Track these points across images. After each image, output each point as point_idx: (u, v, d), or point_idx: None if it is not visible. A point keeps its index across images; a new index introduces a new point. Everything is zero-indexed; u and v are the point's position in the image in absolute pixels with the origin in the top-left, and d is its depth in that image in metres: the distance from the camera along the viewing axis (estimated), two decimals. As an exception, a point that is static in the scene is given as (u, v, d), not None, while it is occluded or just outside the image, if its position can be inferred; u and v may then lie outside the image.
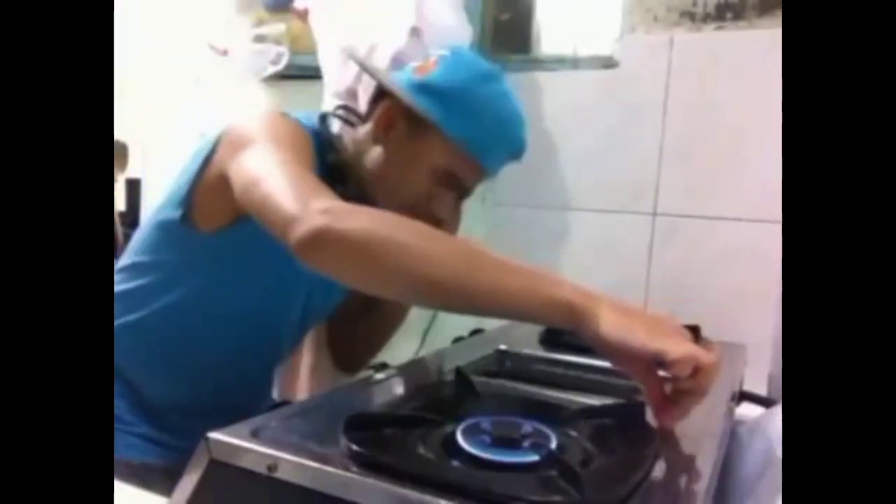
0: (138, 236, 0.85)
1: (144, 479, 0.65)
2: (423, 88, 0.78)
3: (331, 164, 0.81)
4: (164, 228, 0.82)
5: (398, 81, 0.81)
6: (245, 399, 0.85)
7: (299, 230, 0.58)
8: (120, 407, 0.80)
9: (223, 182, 0.73)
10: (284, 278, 0.82)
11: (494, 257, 0.60)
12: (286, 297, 0.86)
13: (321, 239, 0.58)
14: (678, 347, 0.54)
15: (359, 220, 0.59)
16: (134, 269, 0.83)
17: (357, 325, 1.00)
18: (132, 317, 0.81)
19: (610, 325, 0.55)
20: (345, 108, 0.90)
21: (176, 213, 0.80)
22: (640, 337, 0.54)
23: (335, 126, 0.87)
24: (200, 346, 0.83)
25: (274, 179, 0.65)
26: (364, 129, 0.85)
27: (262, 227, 0.65)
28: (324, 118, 0.86)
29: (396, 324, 1.01)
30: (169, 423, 0.82)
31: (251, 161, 0.70)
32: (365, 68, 0.88)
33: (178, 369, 0.83)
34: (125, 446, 0.78)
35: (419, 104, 0.78)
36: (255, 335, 0.86)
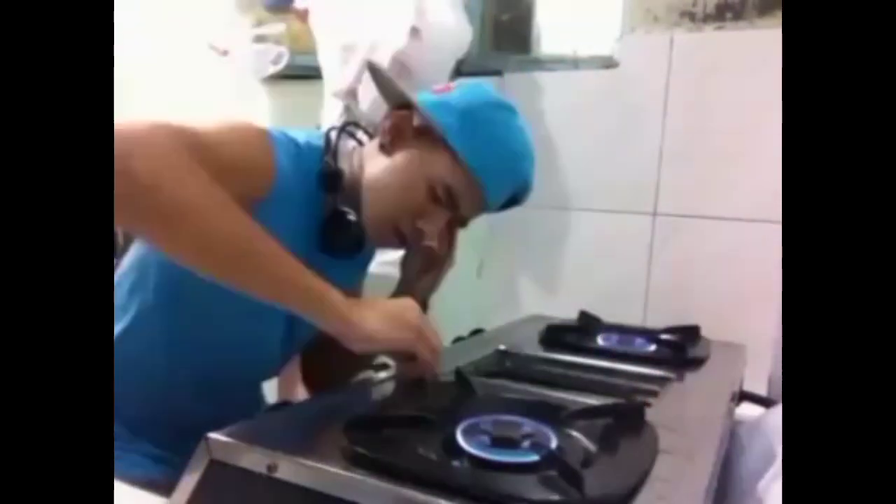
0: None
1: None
2: (440, 105, 0.78)
3: (325, 171, 0.79)
4: (142, 245, 0.80)
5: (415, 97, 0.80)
6: (240, 412, 0.84)
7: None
8: (117, 426, 0.79)
9: None
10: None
11: (273, 245, 0.64)
12: (266, 307, 0.84)
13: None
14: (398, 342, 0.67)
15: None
16: (120, 286, 0.80)
17: (328, 354, 0.91)
18: (118, 329, 0.79)
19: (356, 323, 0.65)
20: (355, 125, 0.88)
21: None
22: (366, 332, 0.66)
23: (342, 141, 0.85)
24: (184, 362, 0.80)
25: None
26: (371, 144, 0.84)
27: None
28: (331, 132, 0.83)
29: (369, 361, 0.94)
30: (168, 439, 0.81)
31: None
32: (381, 79, 0.85)
33: (167, 387, 0.80)
34: (127, 464, 0.77)
35: (434, 117, 0.77)
36: (240, 347, 0.83)
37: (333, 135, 0.84)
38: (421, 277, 0.87)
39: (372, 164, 0.82)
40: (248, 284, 0.64)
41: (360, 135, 0.88)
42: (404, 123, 0.80)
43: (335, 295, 0.65)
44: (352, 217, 0.78)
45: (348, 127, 0.87)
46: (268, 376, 0.94)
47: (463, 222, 0.83)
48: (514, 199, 0.83)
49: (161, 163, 0.60)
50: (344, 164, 0.82)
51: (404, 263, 0.88)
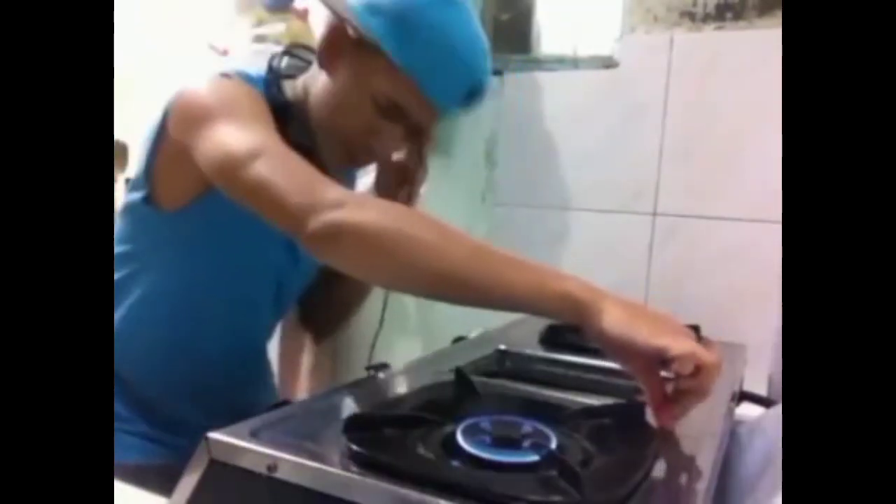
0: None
1: (142, 482, 0.65)
2: (373, 9, 0.70)
3: (274, 105, 0.74)
4: (130, 212, 0.80)
5: (348, 1, 0.73)
6: (240, 383, 0.85)
7: (313, 223, 0.57)
8: (116, 405, 0.80)
9: (182, 156, 0.69)
10: (253, 250, 0.80)
11: (501, 251, 0.60)
12: (257, 268, 0.84)
13: (336, 233, 0.57)
14: (680, 344, 0.54)
15: (371, 213, 0.58)
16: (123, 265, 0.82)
17: (324, 295, 0.98)
18: (117, 312, 0.80)
19: (613, 320, 0.55)
20: (299, 46, 0.84)
21: (138, 195, 0.77)
22: (643, 333, 0.54)
23: (284, 65, 0.81)
24: (183, 330, 0.82)
25: (265, 163, 0.61)
26: (315, 65, 0.78)
27: (227, 203, 0.64)
28: (273, 59, 0.80)
29: (363, 297, 0.98)
30: (166, 418, 0.81)
31: (225, 137, 0.64)
32: None
33: (167, 357, 0.82)
34: (123, 448, 0.77)
35: (364, 24, 0.70)
36: (234, 311, 0.84)
37: (284, 62, 0.80)
38: (397, 195, 0.84)
39: (315, 86, 0.77)
40: (483, 303, 0.59)
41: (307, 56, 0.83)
42: (339, 36, 0.73)
43: (590, 293, 0.56)
44: (308, 146, 0.74)
45: (294, 50, 0.83)
46: (265, 336, 0.95)
47: (421, 131, 0.78)
48: (471, 97, 0.75)
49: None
50: (289, 92, 0.79)
51: (377, 184, 0.86)
